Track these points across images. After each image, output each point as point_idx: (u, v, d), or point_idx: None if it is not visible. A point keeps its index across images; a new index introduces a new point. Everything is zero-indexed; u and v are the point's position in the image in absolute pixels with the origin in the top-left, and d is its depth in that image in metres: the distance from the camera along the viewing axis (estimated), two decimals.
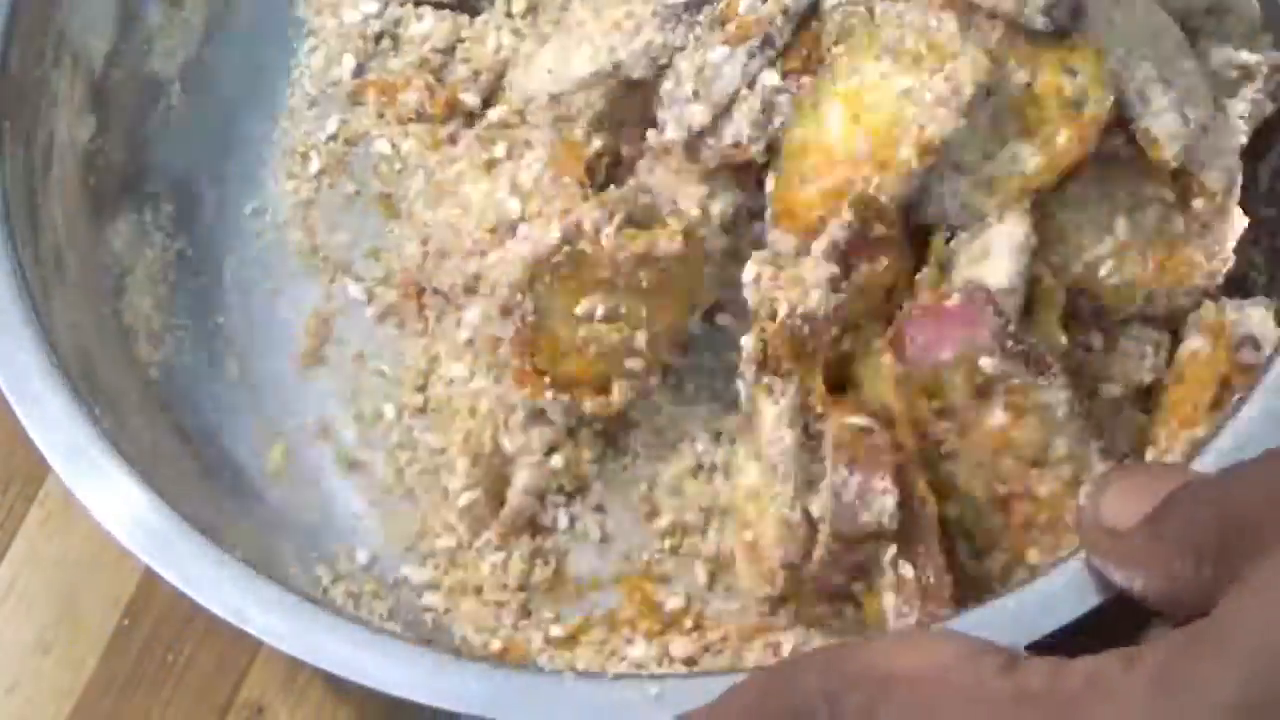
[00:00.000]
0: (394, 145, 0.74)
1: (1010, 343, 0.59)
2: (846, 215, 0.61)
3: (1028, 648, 0.49)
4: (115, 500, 0.58)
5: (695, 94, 0.63)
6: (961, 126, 0.61)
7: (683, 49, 0.64)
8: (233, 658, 0.70)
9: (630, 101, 0.66)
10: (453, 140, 0.73)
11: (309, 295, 0.73)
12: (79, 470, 0.59)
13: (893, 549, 0.59)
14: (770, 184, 0.63)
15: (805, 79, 0.63)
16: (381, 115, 0.74)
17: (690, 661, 0.64)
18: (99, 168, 0.70)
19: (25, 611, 0.71)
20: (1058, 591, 0.54)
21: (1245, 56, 0.67)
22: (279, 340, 0.72)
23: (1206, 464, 0.56)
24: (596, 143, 0.66)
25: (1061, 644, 0.48)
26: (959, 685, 0.45)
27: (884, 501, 0.58)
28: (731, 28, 0.63)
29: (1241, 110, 0.66)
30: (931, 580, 0.59)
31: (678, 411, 0.68)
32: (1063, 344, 0.62)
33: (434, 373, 0.70)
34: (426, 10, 0.76)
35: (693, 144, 0.64)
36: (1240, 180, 0.65)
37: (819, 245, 0.61)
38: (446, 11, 0.75)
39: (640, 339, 0.64)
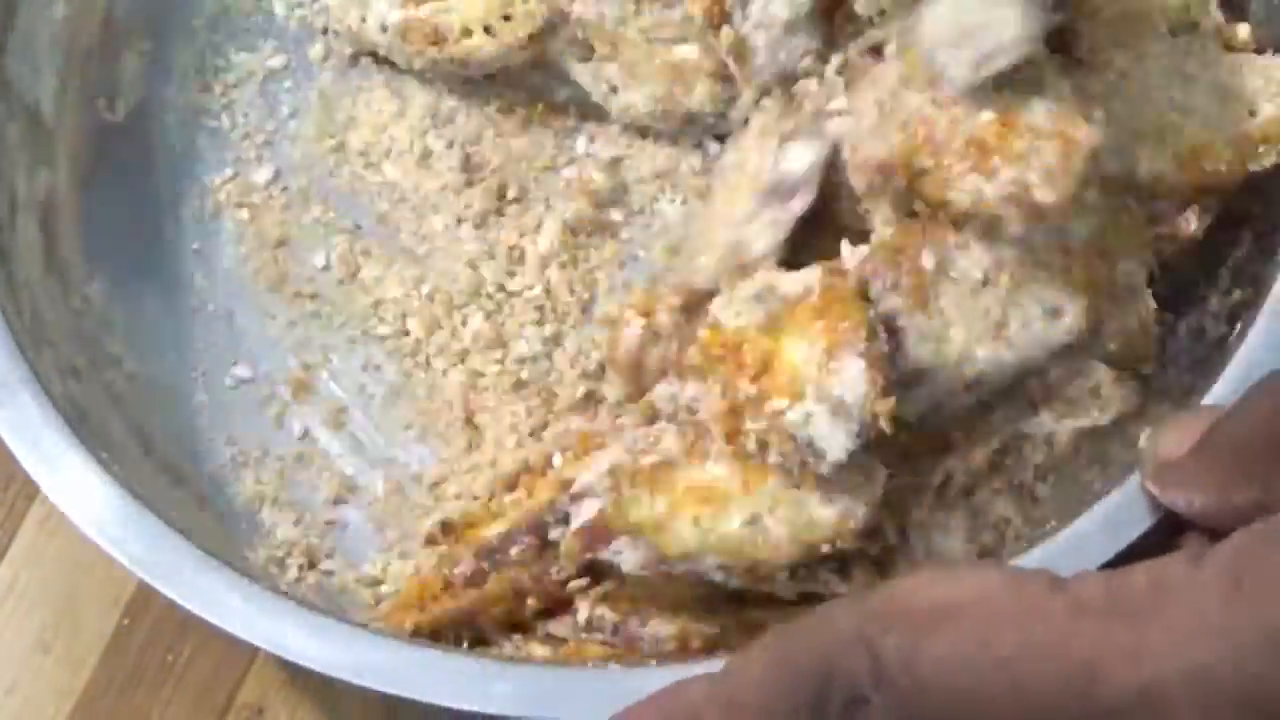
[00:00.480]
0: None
1: None
2: None
3: None
4: (96, 507, 0.59)
5: None
6: None
7: None
8: (232, 658, 0.70)
9: None
10: None
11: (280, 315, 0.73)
12: (58, 478, 0.60)
13: None
14: None
15: None
16: None
17: None
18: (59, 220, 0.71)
19: (25, 611, 0.71)
20: (1091, 533, 0.55)
21: None
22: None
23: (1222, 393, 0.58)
24: None
25: None
26: (1009, 609, 0.44)
27: None
28: None
29: None
30: None
31: None
32: None
33: None
34: None
35: None
36: None
37: None
38: None
39: None
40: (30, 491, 0.72)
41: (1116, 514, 0.56)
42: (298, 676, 0.69)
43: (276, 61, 0.76)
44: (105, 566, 0.70)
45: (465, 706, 0.54)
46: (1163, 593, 0.43)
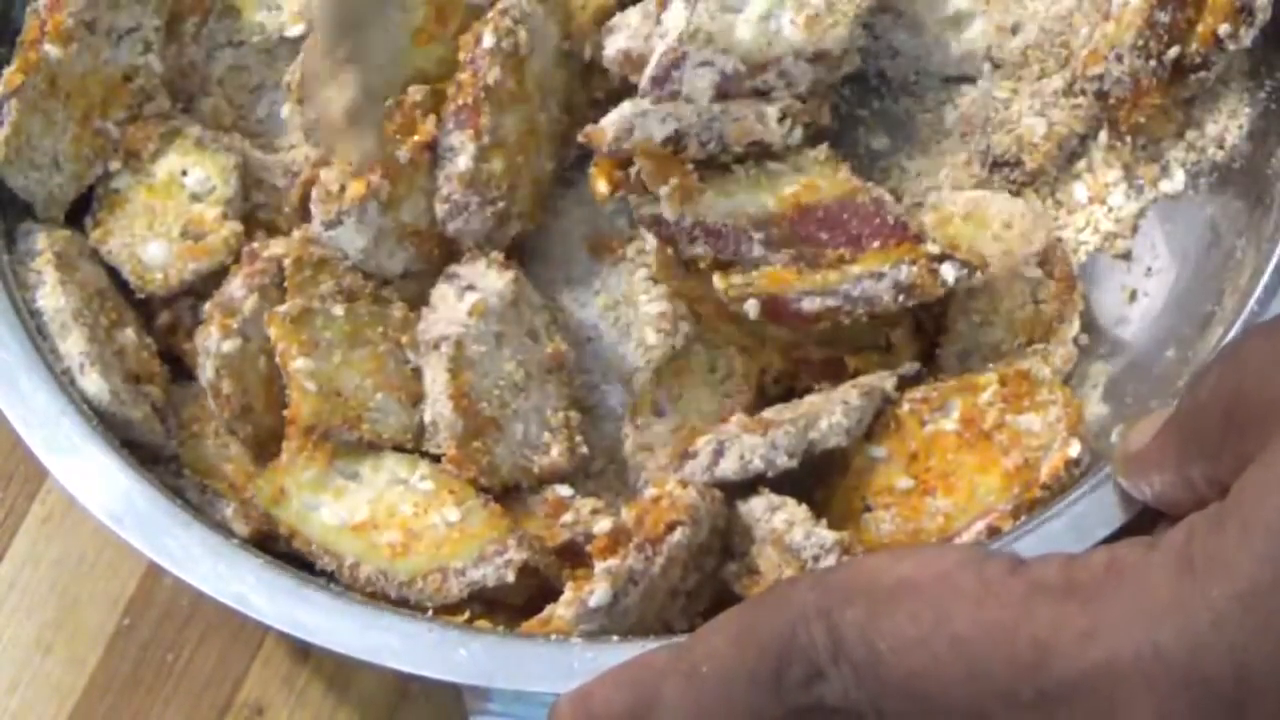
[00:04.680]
0: None
1: None
2: None
3: None
4: (99, 484, 0.59)
5: None
6: None
7: None
8: (232, 658, 0.69)
9: None
10: None
11: None
12: (62, 456, 0.59)
13: None
14: None
15: None
16: None
17: None
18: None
19: (25, 611, 0.71)
20: (1060, 533, 0.55)
21: None
22: None
23: None
24: None
25: None
26: (967, 588, 0.45)
27: None
28: None
29: None
30: None
31: None
32: None
33: None
34: None
35: None
36: None
37: None
38: None
39: None
40: (31, 491, 0.72)
41: (1085, 515, 0.56)
42: (298, 676, 0.69)
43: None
44: (105, 567, 0.71)
45: (425, 673, 0.53)
46: (1117, 574, 0.44)
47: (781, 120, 0.64)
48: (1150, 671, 0.42)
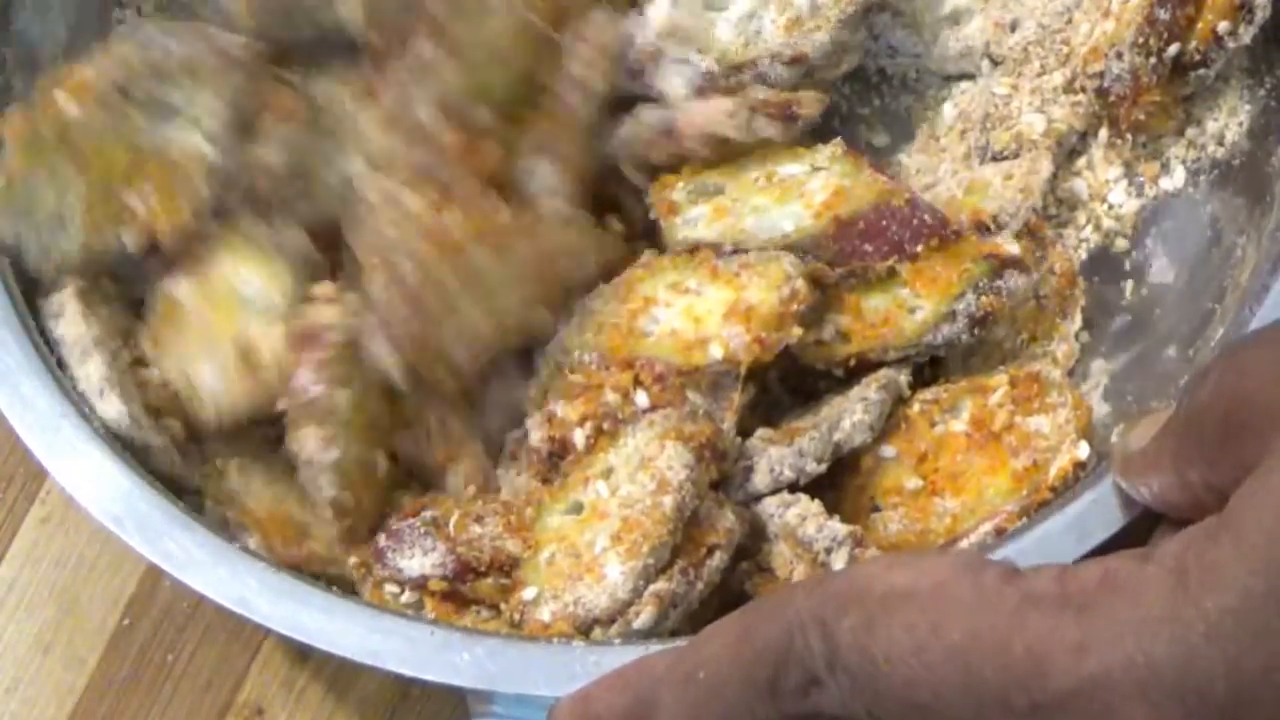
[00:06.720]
0: None
1: None
2: None
3: None
4: (100, 487, 0.58)
5: None
6: None
7: None
8: (232, 658, 0.69)
9: None
10: None
11: None
12: (63, 459, 0.59)
13: None
14: None
15: None
16: None
17: None
18: None
19: (25, 611, 0.71)
20: (1059, 534, 0.55)
21: None
22: None
23: None
24: None
25: None
26: (963, 597, 0.44)
27: None
28: None
29: None
30: None
31: None
32: None
33: None
34: None
35: None
36: None
37: None
38: None
39: None
40: (31, 491, 0.72)
41: (1085, 516, 0.56)
42: (298, 676, 0.69)
43: None
44: (105, 567, 0.71)
45: (427, 677, 0.53)
46: (1111, 587, 0.43)
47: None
48: (1144, 682, 0.42)
